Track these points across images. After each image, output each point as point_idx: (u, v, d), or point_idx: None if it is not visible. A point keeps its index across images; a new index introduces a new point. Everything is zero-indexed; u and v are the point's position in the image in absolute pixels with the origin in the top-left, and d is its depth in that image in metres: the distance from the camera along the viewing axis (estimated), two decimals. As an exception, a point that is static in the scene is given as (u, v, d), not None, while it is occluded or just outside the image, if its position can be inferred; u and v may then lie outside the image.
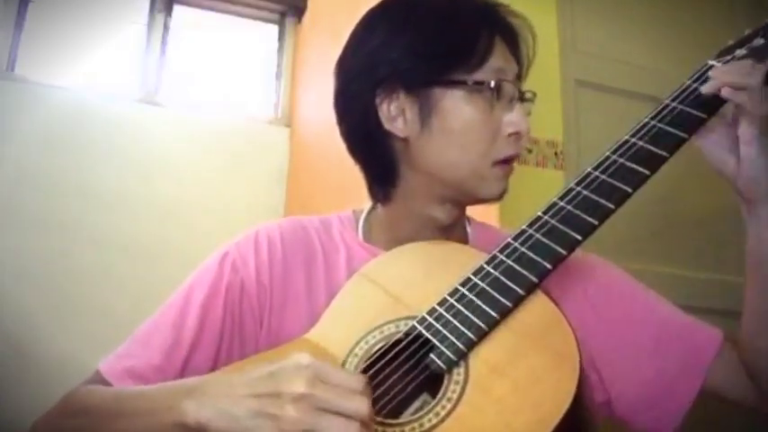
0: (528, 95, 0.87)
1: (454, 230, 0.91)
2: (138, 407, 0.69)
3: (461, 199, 0.87)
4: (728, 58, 0.80)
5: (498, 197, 0.85)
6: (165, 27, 3.13)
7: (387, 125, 0.84)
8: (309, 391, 0.57)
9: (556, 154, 1.77)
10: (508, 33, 0.86)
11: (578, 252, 0.89)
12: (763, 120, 0.74)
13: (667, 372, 0.84)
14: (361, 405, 0.58)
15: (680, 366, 0.84)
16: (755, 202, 0.77)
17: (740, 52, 0.80)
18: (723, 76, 0.75)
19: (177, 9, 3.19)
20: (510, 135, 0.83)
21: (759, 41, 0.80)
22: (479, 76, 0.82)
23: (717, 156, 0.78)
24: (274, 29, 3.36)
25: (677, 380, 0.83)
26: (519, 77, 0.87)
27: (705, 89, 0.76)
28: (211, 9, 3.26)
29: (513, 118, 0.83)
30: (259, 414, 0.58)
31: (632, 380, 0.84)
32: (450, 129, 0.82)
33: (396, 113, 0.84)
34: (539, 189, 1.62)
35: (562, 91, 1.85)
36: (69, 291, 2.63)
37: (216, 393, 0.62)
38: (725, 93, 0.74)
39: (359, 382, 0.60)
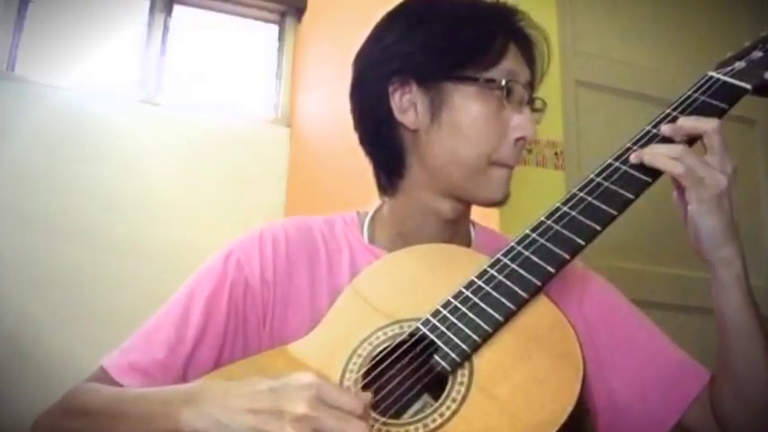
0: (538, 104, 0.88)
1: (459, 228, 0.92)
2: (136, 411, 0.69)
3: (462, 197, 0.87)
4: (728, 69, 0.80)
5: (497, 201, 0.86)
6: (165, 27, 3.12)
7: (398, 116, 0.86)
8: (311, 412, 0.57)
9: (556, 154, 1.77)
10: (524, 41, 0.87)
11: (578, 266, 0.89)
12: (708, 187, 0.72)
13: (646, 401, 0.82)
14: (359, 431, 0.58)
15: (660, 397, 0.82)
16: (710, 265, 0.76)
17: (739, 65, 0.80)
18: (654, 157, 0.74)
19: (177, 9, 3.18)
20: (517, 141, 0.84)
21: (757, 54, 0.80)
22: (491, 74, 0.83)
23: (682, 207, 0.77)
24: (274, 29, 3.35)
25: (655, 410, 0.82)
26: (531, 86, 0.87)
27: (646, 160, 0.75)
28: (211, 9, 3.25)
29: (520, 121, 0.84)
30: (256, 430, 0.58)
31: (608, 402, 0.82)
32: (458, 124, 0.83)
33: (407, 106, 0.86)
34: (539, 189, 1.62)
35: (562, 91, 1.85)
36: (69, 291, 2.63)
37: (214, 403, 0.62)
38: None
39: (360, 404, 0.60)
